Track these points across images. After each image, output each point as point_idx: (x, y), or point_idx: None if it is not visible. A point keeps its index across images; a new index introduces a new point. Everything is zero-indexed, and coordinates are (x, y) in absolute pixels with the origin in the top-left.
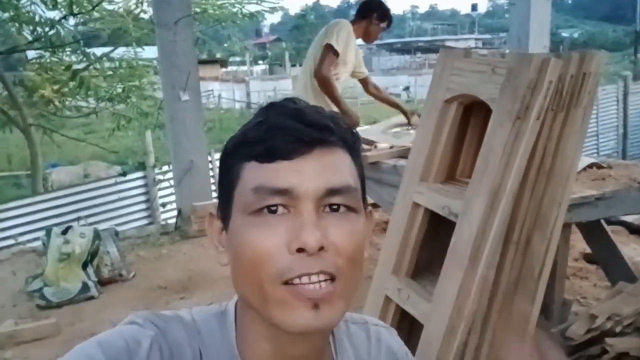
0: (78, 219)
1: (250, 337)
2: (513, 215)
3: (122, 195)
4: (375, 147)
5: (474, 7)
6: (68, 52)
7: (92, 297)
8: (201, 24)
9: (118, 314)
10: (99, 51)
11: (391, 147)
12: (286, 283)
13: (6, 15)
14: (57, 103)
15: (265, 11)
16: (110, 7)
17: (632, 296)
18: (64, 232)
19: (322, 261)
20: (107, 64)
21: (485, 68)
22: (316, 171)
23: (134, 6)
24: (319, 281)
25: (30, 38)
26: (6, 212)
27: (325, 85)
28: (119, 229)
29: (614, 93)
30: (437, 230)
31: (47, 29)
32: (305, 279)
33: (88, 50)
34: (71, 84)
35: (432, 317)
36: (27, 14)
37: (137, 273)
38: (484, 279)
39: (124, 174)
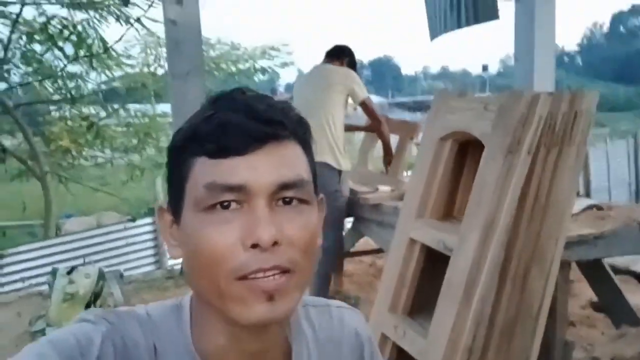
0: (84, 261)
1: (205, 330)
2: (509, 250)
3: (130, 240)
4: (377, 189)
5: (485, 68)
6: (86, 104)
7: None
8: (215, 79)
9: None
10: (116, 103)
11: (392, 190)
12: (241, 278)
13: (30, 69)
14: (74, 153)
15: (277, 66)
16: (129, 62)
17: (636, 339)
18: (69, 273)
19: (277, 256)
20: (123, 116)
21: (478, 106)
22: (269, 166)
23: (151, 61)
24: (273, 274)
25: (51, 90)
26: (17, 256)
27: (385, 129)
28: (126, 273)
29: (624, 148)
30: (435, 268)
31: (68, 82)
32: (260, 274)
33: (106, 102)
34: (88, 135)
35: (428, 353)
36: (50, 68)
37: None
38: (479, 314)
39: (133, 220)
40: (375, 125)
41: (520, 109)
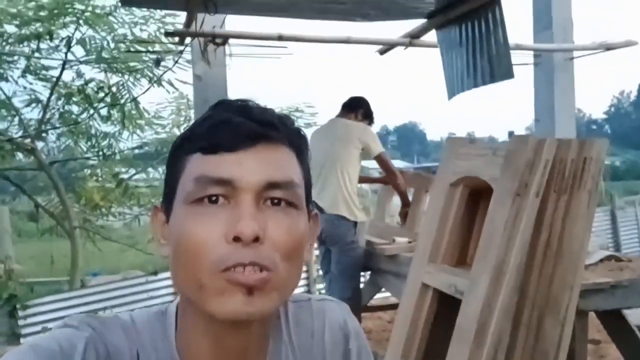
0: (104, 312)
1: (189, 335)
2: (521, 296)
3: (151, 294)
4: (394, 241)
5: (511, 134)
6: (118, 163)
7: None
8: None
9: None
10: (146, 163)
11: (409, 242)
12: (222, 272)
13: (66, 128)
14: (103, 209)
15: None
16: (159, 122)
17: None
18: None
19: (257, 253)
20: (152, 176)
21: (487, 151)
22: (258, 164)
23: (181, 122)
24: (254, 270)
25: (85, 149)
26: (41, 307)
27: (401, 182)
28: None
29: None
30: (449, 313)
31: (101, 141)
32: (239, 269)
33: (136, 161)
34: (117, 191)
35: None
36: (85, 128)
37: None
38: None
39: (154, 273)
40: (391, 179)
41: (526, 153)
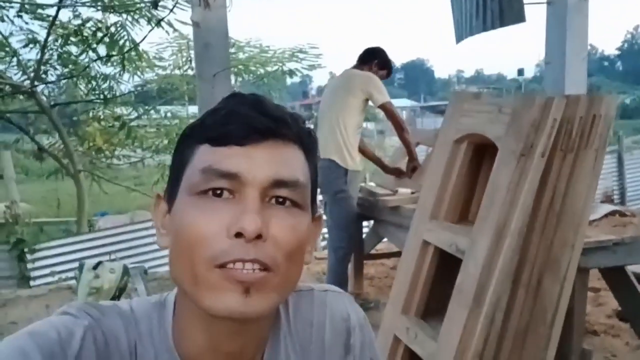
0: (110, 256)
1: (186, 329)
2: (522, 257)
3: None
4: (397, 192)
5: (521, 72)
6: (119, 104)
7: None
8: (245, 81)
9: None
10: (148, 105)
11: (412, 193)
12: (220, 267)
13: (66, 70)
14: (107, 152)
15: (305, 69)
16: (160, 64)
17: None
18: (95, 267)
19: (259, 250)
20: (154, 117)
21: (493, 108)
22: (266, 160)
23: (182, 63)
24: (253, 268)
25: (85, 91)
26: (48, 250)
27: (408, 135)
28: (152, 270)
29: None
30: (450, 271)
31: (101, 83)
32: (239, 265)
33: (137, 103)
34: (120, 134)
35: (437, 357)
36: (84, 69)
37: None
38: (490, 320)
39: None
40: (397, 130)
41: (533, 112)
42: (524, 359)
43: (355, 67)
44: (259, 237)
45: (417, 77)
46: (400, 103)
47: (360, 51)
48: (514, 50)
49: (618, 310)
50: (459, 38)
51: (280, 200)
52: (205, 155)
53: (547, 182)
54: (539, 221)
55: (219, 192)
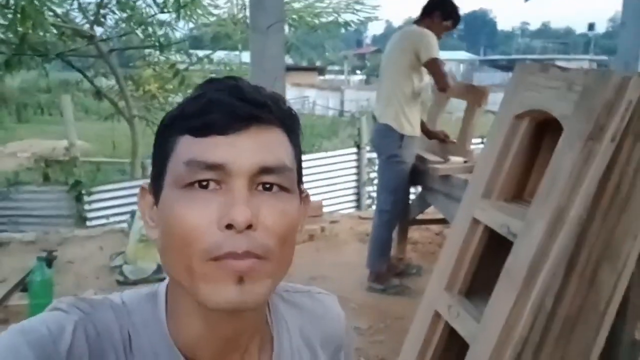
0: None
1: (181, 317)
2: (579, 243)
3: None
4: (448, 160)
5: (591, 27)
6: (173, 52)
7: (164, 279)
8: (297, 31)
9: None
10: (201, 53)
11: (465, 162)
12: (213, 259)
13: (124, 15)
14: (160, 99)
15: (361, 20)
16: (215, 12)
17: None
18: None
19: (251, 240)
20: (207, 65)
21: (561, 84)
22: (251, 148)
23: (237, 10)
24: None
25: (142, 37)
26: (103, 194)
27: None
28: None
29: None
30: (499, 250)
31: (157, 30)
32: (231, 259)
33: (192, 51)
34: (174, 81)
35: (479, 338)
36: (141, 16)
37: None
38: (539, 306)
39: None
40: (441, 89)
41: (606, 92)
42: (571, 347)
43: (417, 20)
44: (249, 227)
45: (478, 29)
46: (458, 56)
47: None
48: (584, 2)
49: None
50: None
51: (268, 186)
52: (188, 147)
53: (615, 168)
54: (602, 208)
55: (205, 183)
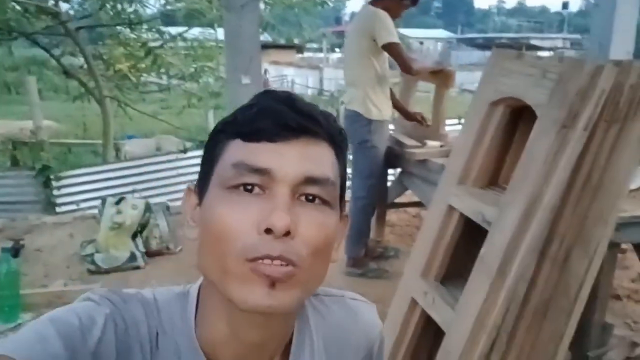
0: (133, 191)
1: (209, 319)
2: (552, 230)
3: (180, 171)
4: (425, 144)
5: (565, 5)
6: (145, 30)
7: (138, 267)
8: (273, 8)
9: (161, 285)
10: (174, 30)
11: (441, 146)
12: (249, 261)
13: None
14: (132, 78)
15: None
16: None
17: None
18: (118, 203)
19: (286, 247)
20: (181, 44)
21: (536, 71)
22: (297, 158)
23: None
24: (280, 264)
25: (111, 14)
26: (72, 179)
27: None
28: (174, 204)
29: None
30: (474, 236)
31: (127, 6)
32: (267, 261)
33: (164, 29)
34: (146, 60)
35: (455, 325)
36: None
37: (183, 248)
38: (512, 292)
39: (184, 151)
40: (406, 72)
41: (580, 80)
42: (543, 333)
43: (374, 0)
44: (287, 233)
45: (455, 7)
46: (435, 34)
47: None
48: None
49: None
50: None
51: (310, 197)
52: (236, 150)
53: (587, 154)
54: (574, 195)
55: (249, 187)
